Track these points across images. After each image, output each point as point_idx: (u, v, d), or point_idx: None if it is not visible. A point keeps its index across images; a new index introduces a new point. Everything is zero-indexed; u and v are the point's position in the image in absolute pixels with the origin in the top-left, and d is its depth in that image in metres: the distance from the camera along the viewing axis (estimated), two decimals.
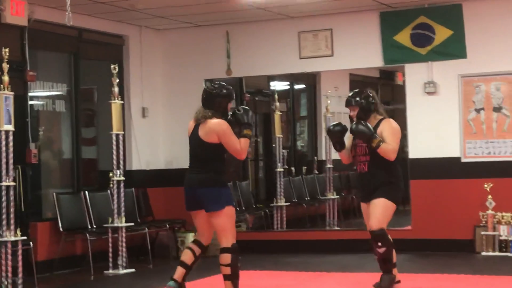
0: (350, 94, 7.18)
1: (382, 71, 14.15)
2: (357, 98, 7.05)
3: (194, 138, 6.71)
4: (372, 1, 9.78)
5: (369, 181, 6.94)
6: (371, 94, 7.09)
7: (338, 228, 11.55)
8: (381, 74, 14.66)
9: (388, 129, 6.92)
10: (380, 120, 6.98)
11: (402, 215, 11.48)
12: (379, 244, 6.81)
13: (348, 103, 7.10)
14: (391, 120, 7.04)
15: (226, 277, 6.62)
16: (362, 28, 10.42)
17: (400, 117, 12.44)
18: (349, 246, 10.30)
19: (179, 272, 6.82)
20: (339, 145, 7.15)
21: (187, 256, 6.82)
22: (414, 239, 10.04)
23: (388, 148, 6.84)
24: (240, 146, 6.59)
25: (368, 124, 6.93)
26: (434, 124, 10.05)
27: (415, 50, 10.12)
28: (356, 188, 13.65)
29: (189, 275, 6.86)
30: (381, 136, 6.87)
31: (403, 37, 10.17)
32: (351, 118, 7.10)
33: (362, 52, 10.45)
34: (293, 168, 12.90)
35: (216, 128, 6.58)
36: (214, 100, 6.71)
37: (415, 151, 10.18)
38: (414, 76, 10.20)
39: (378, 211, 6.83)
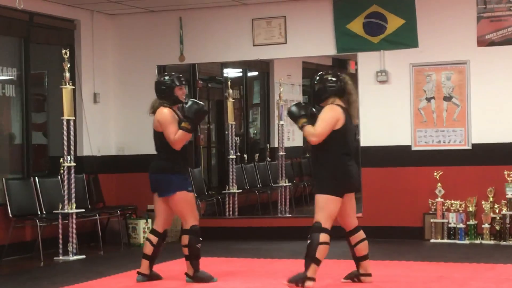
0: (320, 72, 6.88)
1: (335, 59, 14.23)
2: (315, 77, 6.77)
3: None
4: None
5: (312, 167, 6.89)
6: (331, 79, 6.67)
7: (290, 215, 11.61)
8: (334, 63, 14.74)
9: (321, 114, 6.59)
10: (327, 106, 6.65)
11: None
12: (308, 236, 6.59)
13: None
14: (331, 106, 6.58)
15: (186, 258, 7.07)
16: (315, 16, 10.45)
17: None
18: (300, 233, 10.34)
19: (144, 264, 7.21)
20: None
21: (146, 248, 7.21)
22: (365, 226, 10.02)
23: (309, 131, 6.52)
24: (173, 137, 6.92)
25: (303, 105, 6.72)
26: (385, 112, 10.15)
27: (368, 38, 10.20)
28: (308, 176, 13.76)
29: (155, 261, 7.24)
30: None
31: (356, 26, 10.24)
32: None
33: (315, 40, 10.49)
34: (245, 155, 12.92)
35: (157, 116, 7.03)
36: (160, 88, 7.12)
37: (366, 139, 10.27)
38: (366, 64, 10.28)
39: (316, 207, 6.61)
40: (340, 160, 6.57)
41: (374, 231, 10.03)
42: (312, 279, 6.50)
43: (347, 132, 6.62)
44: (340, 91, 6.67)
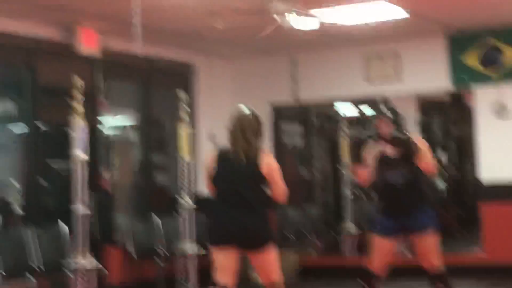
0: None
1: (451, 94, 13.99)
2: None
3: None
4: (438, 24, 9.72)
5: None
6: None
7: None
8: (450, 97, 14.49)
9: None
10: None
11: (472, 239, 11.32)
12: None
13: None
14: None
15: None
16: (429, 51, 10.38)
17: (469, 139, 12.29)
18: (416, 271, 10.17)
19: None
20: None
21: None
22: (487, 264, 9.88)
23: None
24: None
25: None
26: (506, 147, 9.90)
27: (484, 72, 10.02)
28: None
29: None
30: None
31: (472, 59, 10.09)
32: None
33: (430, 75, 10.40)
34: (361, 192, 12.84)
35: None
36: None
37: (487, 174, 10.05)
38: (483, 99, 10.09)
39: None
40: (212, 207, 5.90)
41: (497, 269, 9.77)
42: None
43: (217, 177, 5.86)
44: None
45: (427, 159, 6.52)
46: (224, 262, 5.84)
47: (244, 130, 5.84)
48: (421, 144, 6.55)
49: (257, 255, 5.80)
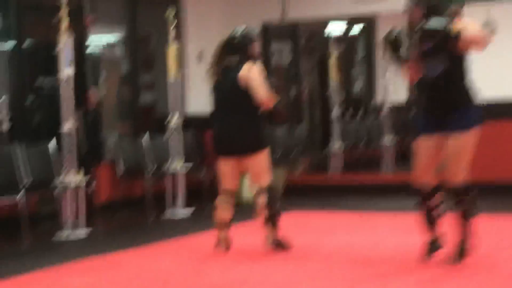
0: None
1: None
2: None
3: None
4: None
5: None
6: None
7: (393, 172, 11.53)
8: None
9: None
10: None
11: None
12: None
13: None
14: None
15: None
16: None
17: None
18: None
19: None
20: None
21: None
22: None
23: None
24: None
25: None
26: None
27: None
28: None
29: None
30: None
31: None
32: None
33: None
34: (349, 112, 12.88)
35: None
36: None
37: None
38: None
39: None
40: (213, 119, 6.59)
41: None
42: (217, 243, 6.57)
43: (212, 92, 6.55)
44: None
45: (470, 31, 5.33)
46: (225, 170, 6.44)
47: (224, 47, 6.51)
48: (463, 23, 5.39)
49: (249, 160, 6.32)
